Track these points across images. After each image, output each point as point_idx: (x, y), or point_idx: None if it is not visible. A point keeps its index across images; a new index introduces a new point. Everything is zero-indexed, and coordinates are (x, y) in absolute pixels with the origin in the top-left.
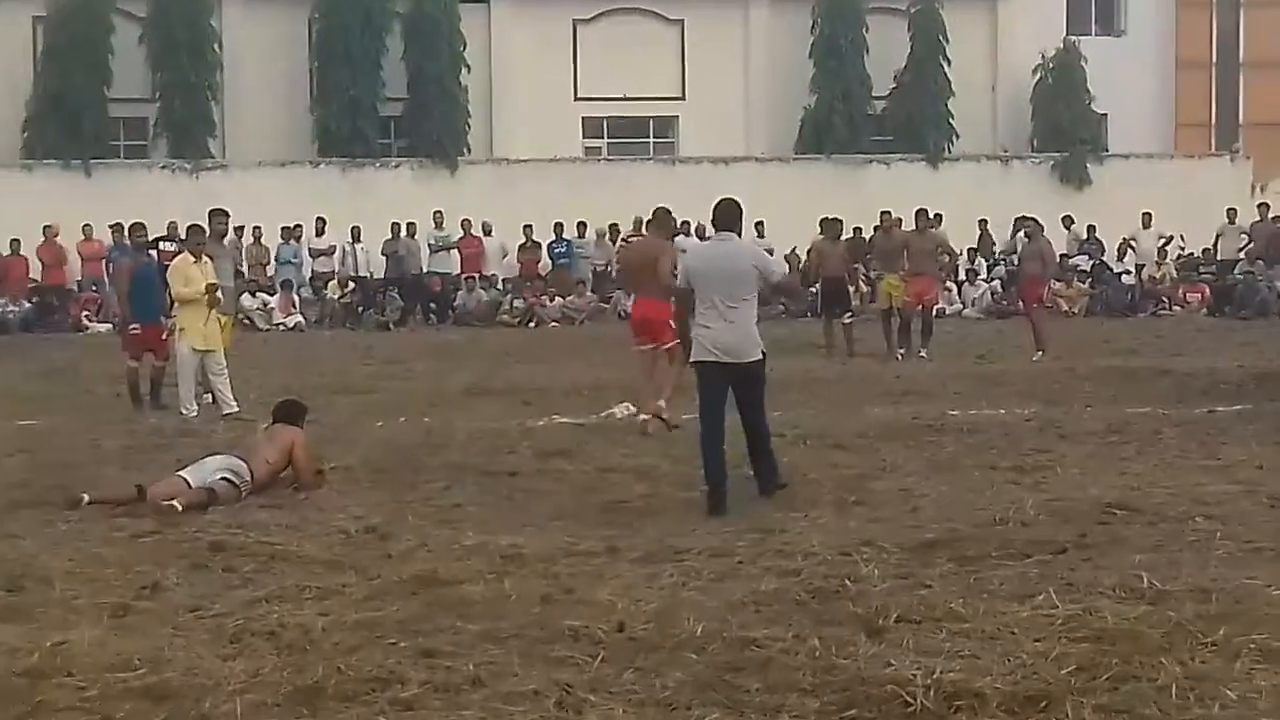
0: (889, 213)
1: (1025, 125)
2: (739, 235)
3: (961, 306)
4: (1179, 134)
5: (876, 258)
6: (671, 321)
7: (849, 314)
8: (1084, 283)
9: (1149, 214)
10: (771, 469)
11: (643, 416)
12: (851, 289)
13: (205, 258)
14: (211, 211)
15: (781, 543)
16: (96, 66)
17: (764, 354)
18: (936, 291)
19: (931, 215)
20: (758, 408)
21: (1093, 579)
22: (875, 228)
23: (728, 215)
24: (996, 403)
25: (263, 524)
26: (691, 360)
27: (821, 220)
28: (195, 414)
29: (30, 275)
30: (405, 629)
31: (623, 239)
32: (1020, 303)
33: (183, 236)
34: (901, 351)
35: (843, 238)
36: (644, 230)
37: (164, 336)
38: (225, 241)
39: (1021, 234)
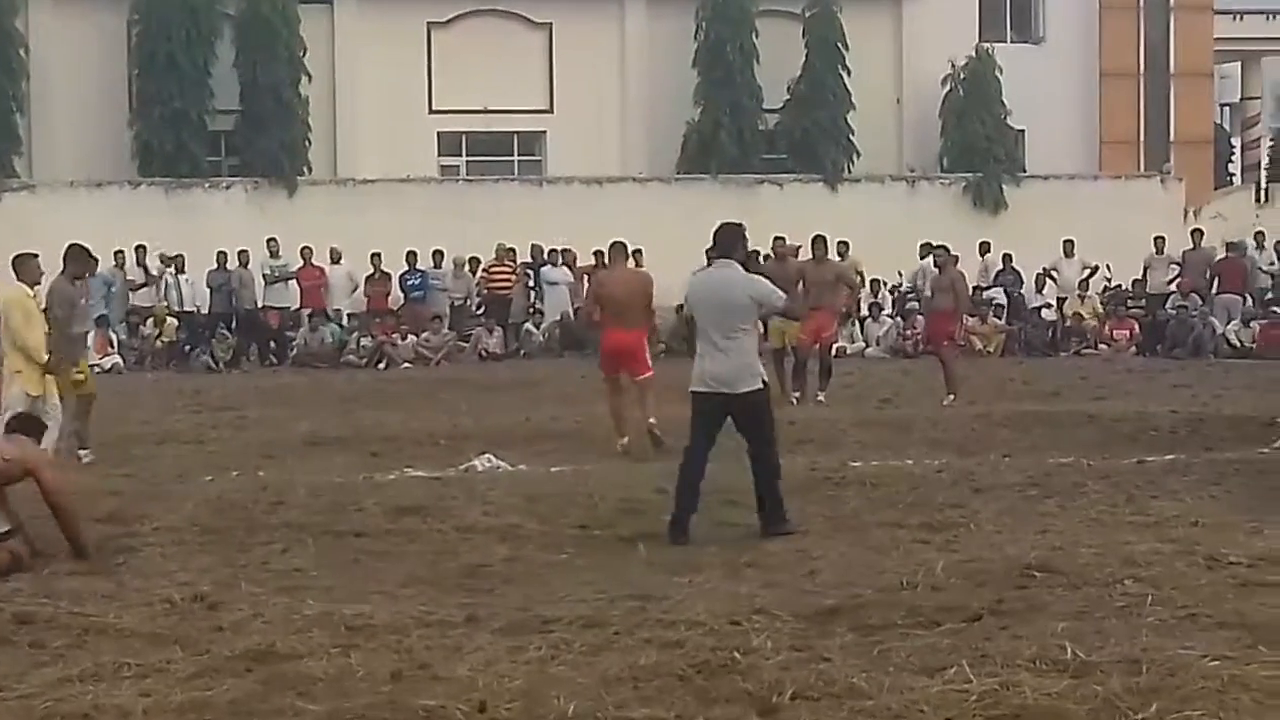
0: (782, 238)
1: (934, 142)
2: (740, 262)
3: (864, 345)
4: (1104, 152)
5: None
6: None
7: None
8: (1000, 318)
9: (1071, 241)
10: (778, 508)
11: (623, 440)
12: None
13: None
14: (18, 257)
15: (662, 611)
16: None
17: (765, 384)
18: (835, 328)
19: (837, 243)
20: (763, 440)
21: (1011, 649)
22: (765, 256)
23: (726, 240)
24: (903, 452)
25: (75, 592)
26: (690, 390)
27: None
28: None
29: None
30: (238, 711)
31: (591, 268)
32: (929, 341)
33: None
34: (796, 395)
35: None
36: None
37: None
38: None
39: (929, 263)
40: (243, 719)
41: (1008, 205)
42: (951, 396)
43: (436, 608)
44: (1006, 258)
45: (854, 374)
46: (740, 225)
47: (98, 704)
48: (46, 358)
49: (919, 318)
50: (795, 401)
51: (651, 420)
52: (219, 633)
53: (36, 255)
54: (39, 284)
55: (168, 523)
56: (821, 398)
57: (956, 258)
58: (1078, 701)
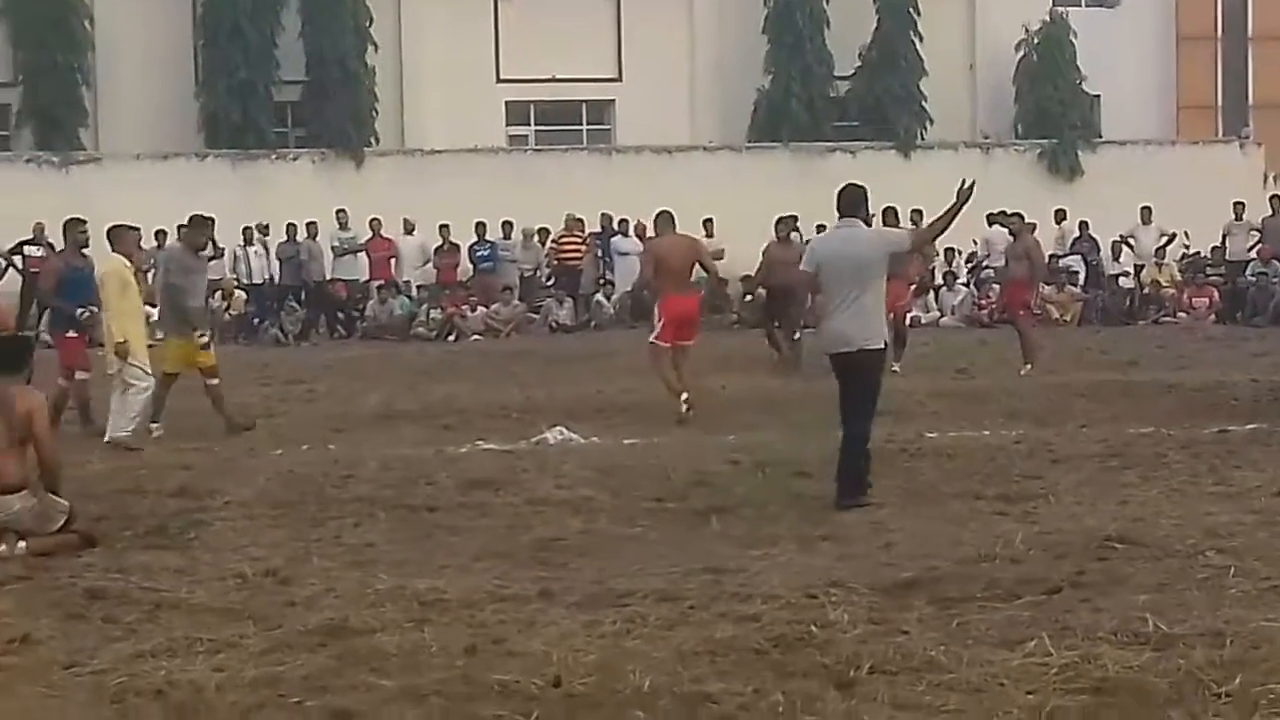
0: (790, 218)
1: (1008, 109)
2: (864, 222)
3: (939, 314)
4: (1181, 117)
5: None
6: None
7: (798, 332)
8: (1076, 286)
9: (1148, 208)
10: (858, 477)
11: (685, 397)
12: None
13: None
14: (114, 229)
15: (738, 584)
16: None
17: (886, 345)
18: (908, 298)
19: (910, 211)
20: (863, 396)
21: (1091, 622)
22: (819, 226)
23: (851, 201)
24: (980, 423)
25: (147, 567)
26: (828, 353)
27: (778, 220)
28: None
29: None
30: (311, 686)
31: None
32: (1005, 310)
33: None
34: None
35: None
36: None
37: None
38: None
39: (997, 231)
40: (316, 694)
41: (1083, 172)
42: (1029, 366)
43: (510, 582)
44: (1083, 225)
45: (929, 344)
46: (862, 187)
47: (171, 679)
48: (122, 340)
49: (994, 287)
50: None
51: (685, 395)
52: (291, 608)
53: (136, 228)
54: (135, 256)
55: (239, 497)
56: (896, 368)
57: (1033, 225)
58: (1160, 675)
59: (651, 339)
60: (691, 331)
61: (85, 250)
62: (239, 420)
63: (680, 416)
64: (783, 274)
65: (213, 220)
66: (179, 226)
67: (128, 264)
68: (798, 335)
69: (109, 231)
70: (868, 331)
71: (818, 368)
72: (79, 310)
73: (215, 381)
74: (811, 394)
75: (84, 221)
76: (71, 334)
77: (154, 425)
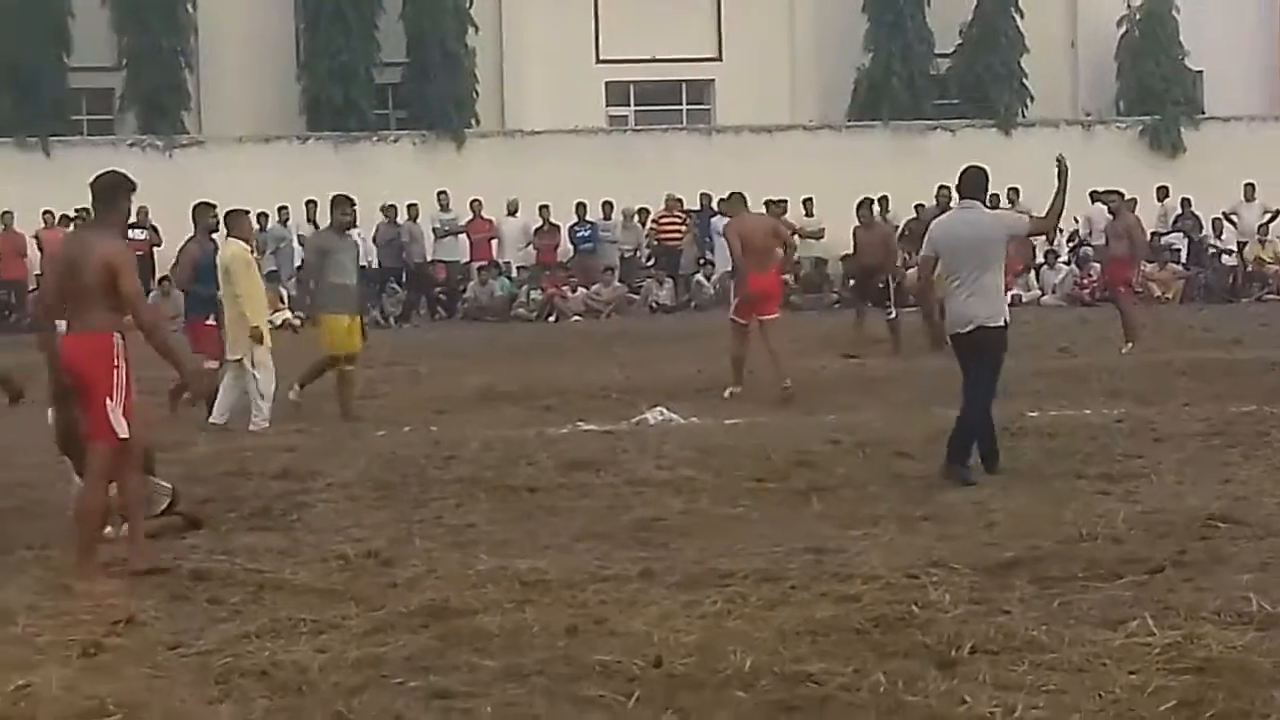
0: (946, 187)
1: (1109, 85)
2: (984, 204)
3: (1040, 292)
4: None
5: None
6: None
7: (889, 308)
8: (1179, 264)
9: (1252, 185)
10: (966, 450)
11: (735, 389)
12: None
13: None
14: (231, 214)
15: (839, 564)
16: (54, 31)
17: (1006, 324)
18: (1008, 276)
19: (1007, 189)
20: (986, 373)
21: (1194, 602)
22: (918, 206)
23: (973, 184)
24: (1081, 402)
25: (251, 548)
26: (949, 334)
27: (859, 203)
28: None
29: None
30: (413, 666)
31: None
32: (1107, 288)
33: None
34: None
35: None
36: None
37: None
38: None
39: (1098, 210)
40: (419, 675)
41: (1186, 148)
42: (1130, 345)
43: (611, 562)
44: (1185, 202)
45: (1030, 323)
46: (984, 169)
47: (275, 660)
48: (257, 324)
49: (1095, 265)
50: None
51: (787, 383)
52: (393, 589)
53: (248, 211)
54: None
55: (341, 479)
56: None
57: (1134, 201)
58: (1264, 654)
59: (731, 316)
60: (773, 305)
61: (215, 234)
62: (355, 412)
63: (784, 394)
64: (868, 255)
65: (352, 200)
66: (279, 208)
67: (246, 247)
68: (894, 314)
69: (226, 216)
70: (989, 310)
71: (914, 347)
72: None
73: (352, 368)
74: (911, 373)
75: (214, 206)
76: (210, 321)
77: (292, 392)
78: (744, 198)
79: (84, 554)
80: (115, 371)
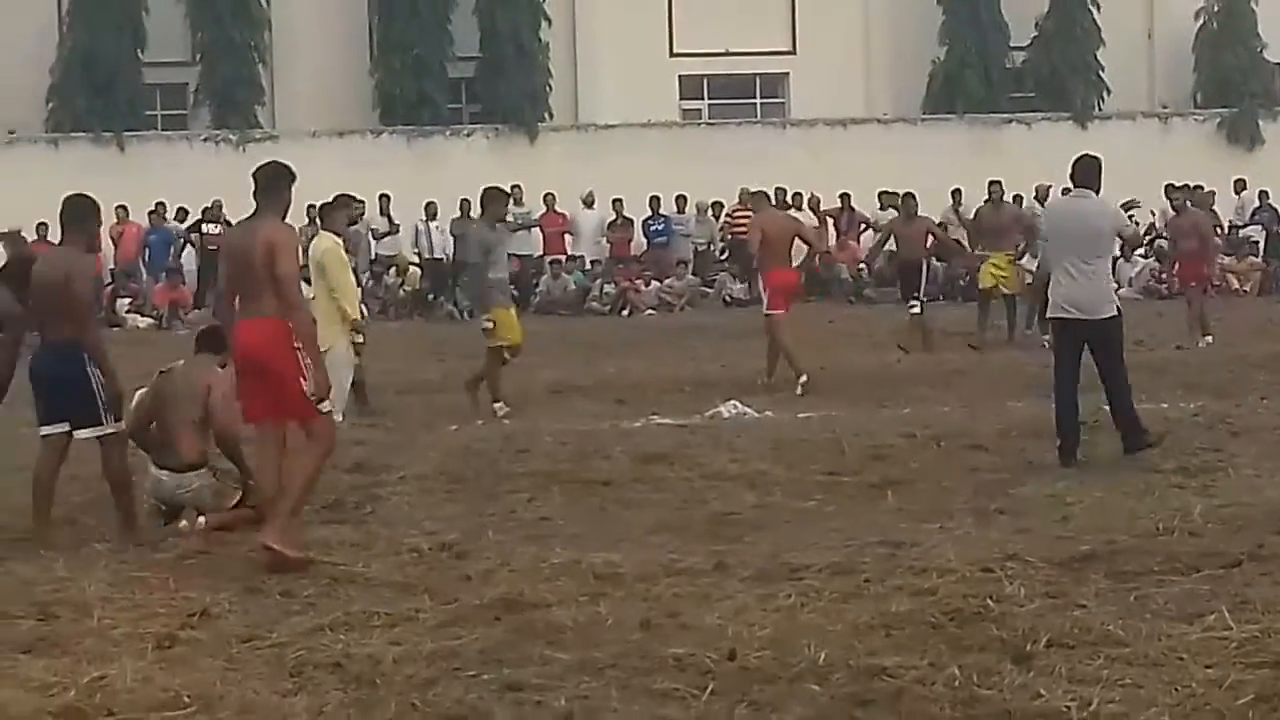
0: (999, 183)
1: (1187, 78)
2: (1097, 193)
3: (1117, 285)
4: None
5: (983, 234)
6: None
7: (915, 304)
8: (1257, 256)
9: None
10: (1135, 425)
11: (803, 379)
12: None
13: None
14: (326, 206)
15: (913, 558)
16: (129, 26)
17: (1119, 311)
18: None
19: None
20: (1113, 364)
21: (1272, 596)
22: (985, 200)
23: (1086, 173)
24: (1157, 395)
25: (324, 541)
26: (1048, 316)
27: (903, 196)
28: None
29: None
30: (487, 659)
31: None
32: (1182, 284)
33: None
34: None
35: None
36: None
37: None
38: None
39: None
40: (492, 668)
41: (1264, 141)
42: (1207, 338)
43: (685, 555)
44: (1263, 194)
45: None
46: (1097, 158)
47: (349, 652)
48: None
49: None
50: (976, 347)
51: (803, 379)
52: (467, 582)
53: (349, 201)
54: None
55: (414, 472)
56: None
57: (1212, 194)
58: None
59: (767, 312)
60: (787, 303)
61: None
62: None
63: (803, 388)
64: (908, 250)
65: (505, 191)
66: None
67: (338, 240)
68: (918, 309)
69: (322, 208)
70: (1103, 299)
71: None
72: None
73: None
74: (986, 367)
75: (353, 198)
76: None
77: (497, 405)
78: (767, 195)
79: (293, 515)
80: (297, 353)
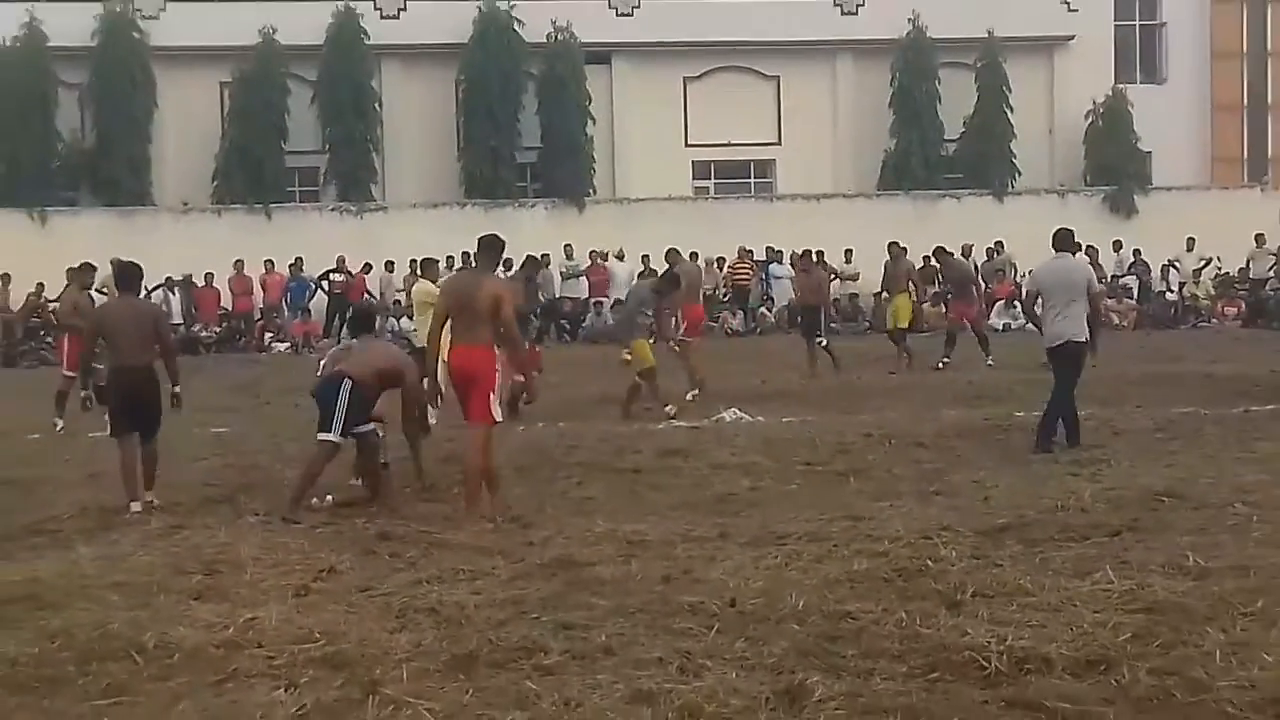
0: (896, 243)
1: (1079, 163)
2: (1073, 255)
3: (1025, 322)
4: (1215, 168)
5: (885, 283)
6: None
7: (820, 337)
8: (1132, 299)
9: (1192, 239)
10: (1048, 431)
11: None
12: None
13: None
14: (425, 261)
15: (870, 528)
16: (275, 123)
17: (1087, 340)
18: (976, 308)
19: (995, 241)
20: (1069, 377)
21: (1144, 558)
22: (924, 257)
23: (1064, 241)
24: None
25: (423, 515)
26: (1046, 347)
27: (801, 253)
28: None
29: (221, 304)
30: (546, 605)
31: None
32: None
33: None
34: (945, 360)
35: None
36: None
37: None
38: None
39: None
40: (550, 611)
41: (1138, 211)
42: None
43: (696, 526)
44: (1136, 252)
45: (1015, 345)
46: (1071, 230)
47: (441, 600)
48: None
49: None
50: (941, 366)
51: (693, 395)
52: (530, 546)
53: (438, 261)
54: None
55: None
56: (990, 362)
57: (1097, 250)
58: (1199, 599)
59: (681, 337)
60: (698, 331)
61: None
62: (634, 409)
63: (691, 401)
64: (808, 296)
65: (678, 251)
66: (447, 257)
67: (432, 288)
68: (824, 341)
69: (422, 263)
70: (1074, 329)
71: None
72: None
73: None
74: (926, 384)
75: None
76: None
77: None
78: (679, 251)
79: (470, 501)
80: (495, 374)
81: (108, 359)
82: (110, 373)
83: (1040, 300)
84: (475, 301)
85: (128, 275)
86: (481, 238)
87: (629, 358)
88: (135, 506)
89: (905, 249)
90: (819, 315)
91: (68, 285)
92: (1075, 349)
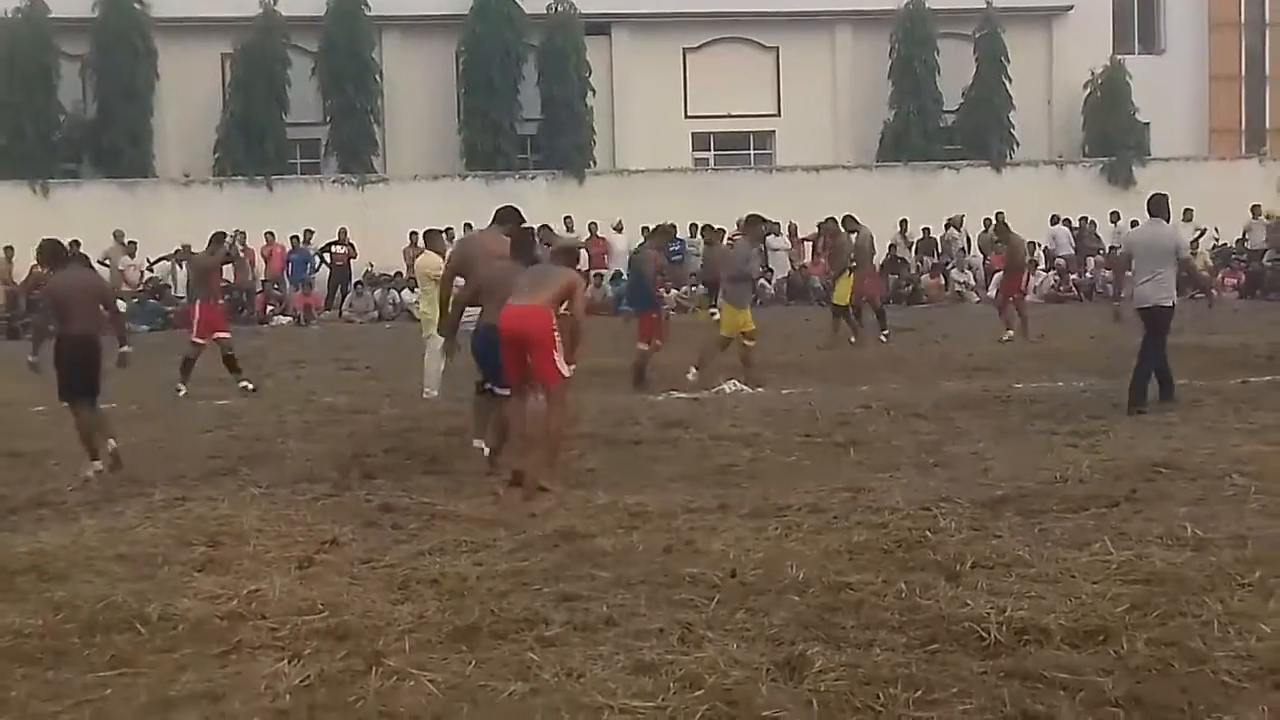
0: (710, 225)
1: (1077, 133)
2: (1166, 220)
3: (1023, 293)
4: (1213, 139)
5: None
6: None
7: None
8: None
9: (1190, 210)
10: (1139, 394)
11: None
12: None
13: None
14: (429, 233)
15: (870, 500)
16: (276, 95)
17: (1173, 305)
18: (875, 286)
19: (995, 213)
20: (1157, 341)
21: (1143, 529)
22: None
23: (1158, 206)
24: (1055, 377)
25: (425, 487)
26: (1137, 308)
27: (703, 228)
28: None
29: (223, 277)
30: (548, 576)
31: (814, 237)
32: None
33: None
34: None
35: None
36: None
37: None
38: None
39: (1061, 229)
40: (552, 583)
41: (1136, 182)
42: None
43: (696, 498)
44: (1134, 223)
45: (1014, 316)
46: (1165, 196)
47: (443, 571)
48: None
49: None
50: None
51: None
52: (533, 518)
53: (444, 230)
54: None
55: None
56: (884, 337)
57: (1094, 222)
58: (1196, 569)
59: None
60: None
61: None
62: (757, 376)
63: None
64: (714, 269)
65: (762, 218)
66: (446, 229)
67: (438, 259)
68: (716, 314)
69: (425, 234)
70: (1162, 294)
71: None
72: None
73: (752, 344)
74: (927, 356)
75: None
76: (654, 313)
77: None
78: (856, 219)
79: (552, 463)
80: (555, 333)
81: (56, 327)
82: (60, 341)
83: (1132, 264)
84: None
85: (55, 252)
86: (502, 208)
87: (716, 316)
88: (97, 464)
89: (858, 226)
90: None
91: (207, 248)
92: (1161, 313)
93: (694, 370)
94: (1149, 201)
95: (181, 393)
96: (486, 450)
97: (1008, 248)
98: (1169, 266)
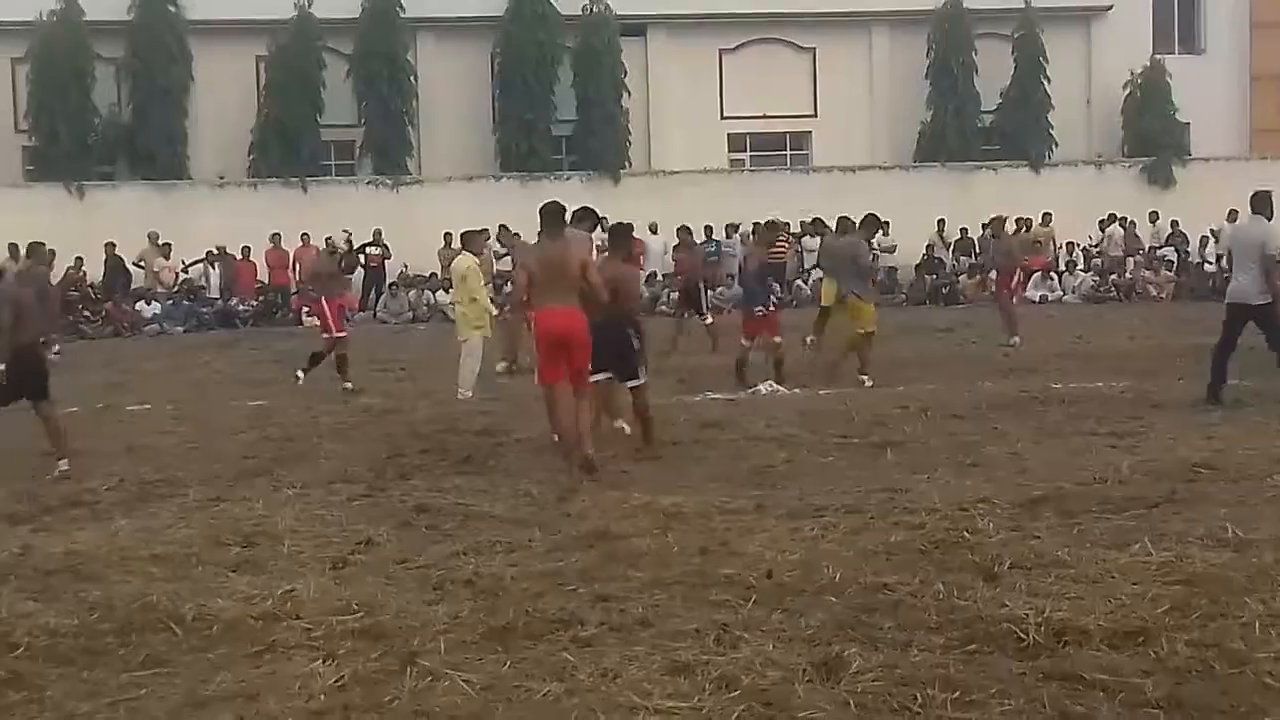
0: (687, 228)
1: (1117, 134)
2: (1267, 219)
3: (1062, 293)
4: (1254, 139)
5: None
6: None
7: (706, 315)
8: (1171, 271)
9: (1235, 211)
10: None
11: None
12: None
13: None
14: (467, 234)
15: (907, 501)
16: (310, 97)
17: (1270, 300)
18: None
19: (1042, 214)
20: (1273, 332)
21: (1183, 529)
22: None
23: (1259, 203)
24: (1094, 377)
25: (460, 488)
26: (1228, 302)
27: (678, 230)
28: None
29: (258, 278)
30: (583, 577)
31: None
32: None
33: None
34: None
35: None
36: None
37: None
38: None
39: (1115, 229)
40: (587, 584)
41: (1176, 182)
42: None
43: (733, 499)
44: (1174, 223)
45: (1054, 316)
46: (1268, 191)
47: (478, 572)
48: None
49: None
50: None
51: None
52: (567, 518)
53: (481, 232)
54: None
55: (527, 434)
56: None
57: (1134, 222)
58: (1237, 570)
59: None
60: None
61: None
62: (868, 371)
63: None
64: (685, 272)
65: (776, 222)
66: (481, 230)
67: (476, 260)
68: (710, 320)
69: (463, 235)
70: (1253, 290)
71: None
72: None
73: (872, 331)
74: (964, 355)
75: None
76: (761, 310)
77: (863, 377)
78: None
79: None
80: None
81: (11, 337)
82: (19, 349)
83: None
84: (567, 266)
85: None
86: (546, 204)
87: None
88: (63, 465)
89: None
90: (698, 293)
91: (322, 250)
92: (1239, 311)
93: (865, 377)
94: (1251, 198)
95: (299, 381)
96: (627, 430)
97: (1003, 247)
98: (1255, 264)
